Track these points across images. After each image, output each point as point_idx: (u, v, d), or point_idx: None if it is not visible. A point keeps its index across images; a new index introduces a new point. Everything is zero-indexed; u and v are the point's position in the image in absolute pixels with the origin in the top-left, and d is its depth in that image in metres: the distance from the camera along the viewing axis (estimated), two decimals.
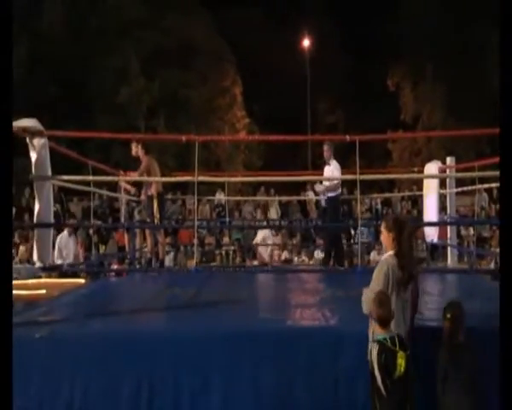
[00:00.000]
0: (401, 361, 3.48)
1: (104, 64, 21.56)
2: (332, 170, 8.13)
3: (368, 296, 3.71)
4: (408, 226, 3.81)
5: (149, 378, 4.12)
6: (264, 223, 14.71)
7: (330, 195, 8.13)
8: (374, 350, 3.53)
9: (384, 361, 3.48)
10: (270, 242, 12.28)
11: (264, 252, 12.39)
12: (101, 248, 14.34)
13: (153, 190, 8.01)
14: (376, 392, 3.56)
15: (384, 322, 3.55)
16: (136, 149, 8.09)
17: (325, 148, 8.28)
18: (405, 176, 13.91)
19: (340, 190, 8.27)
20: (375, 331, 3.61)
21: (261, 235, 12.29)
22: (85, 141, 17.80)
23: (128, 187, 8.93)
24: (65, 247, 9.52)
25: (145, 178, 7.97)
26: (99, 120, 20.82)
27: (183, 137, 7.92)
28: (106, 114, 21.19)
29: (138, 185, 8.71)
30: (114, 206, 14.74)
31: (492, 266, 11.34)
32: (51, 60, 20.84)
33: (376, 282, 3.72)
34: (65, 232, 9.66)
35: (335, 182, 8.02)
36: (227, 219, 13.46)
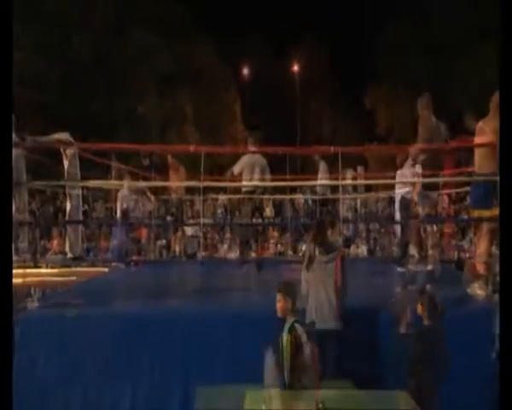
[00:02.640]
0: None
1: (125, 85, 21.62)
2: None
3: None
4: (316, 224, 4.40)
5: (162, 352, 4.14)
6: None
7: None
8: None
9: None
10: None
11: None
12: None
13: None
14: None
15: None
16: (172, 160, 8.40)
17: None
18: (381, 182, 13.94)
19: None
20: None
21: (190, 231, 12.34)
22: (107, 152, 17.74)
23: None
24: (125, 198, 8.78)
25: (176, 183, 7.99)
26: (119, 132, 20.83)
27: (191, 148, 7.93)
28: (125, 127, 21.23)
29: None
30: None
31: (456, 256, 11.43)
32: (80, 82, 20.91)
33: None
34: (125, 186, 8.66)
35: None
36: (228, 218, 13.47)
